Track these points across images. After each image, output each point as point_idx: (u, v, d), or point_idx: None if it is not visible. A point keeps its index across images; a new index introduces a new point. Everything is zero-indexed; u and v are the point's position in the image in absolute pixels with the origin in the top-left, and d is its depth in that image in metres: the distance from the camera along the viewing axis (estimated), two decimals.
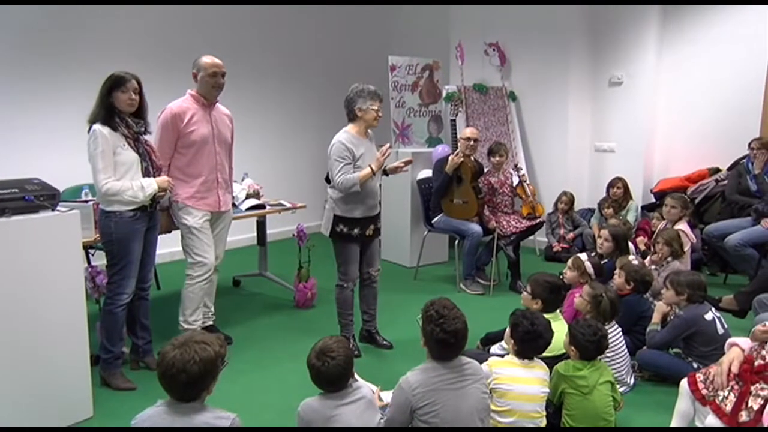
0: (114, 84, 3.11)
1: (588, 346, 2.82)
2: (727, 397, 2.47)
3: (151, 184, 3.20)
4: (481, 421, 2.41)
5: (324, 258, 5.73)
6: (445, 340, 2.36)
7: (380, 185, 4.04)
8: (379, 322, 4.06)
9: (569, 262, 3.93)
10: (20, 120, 4.94)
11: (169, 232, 3.81)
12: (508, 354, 2.85)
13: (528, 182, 5.49)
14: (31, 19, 4.91)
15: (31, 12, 4.89)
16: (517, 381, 2.65)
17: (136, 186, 3.15)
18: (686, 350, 3.37)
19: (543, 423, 2.68)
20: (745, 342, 2.59)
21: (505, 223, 5.16)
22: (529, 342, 2.70)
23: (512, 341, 2.77)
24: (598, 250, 4.35)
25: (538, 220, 5.26)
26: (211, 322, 4.04)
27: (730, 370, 2.49)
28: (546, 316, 3.15)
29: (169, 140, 3.53)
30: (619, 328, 3.37)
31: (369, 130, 3.75)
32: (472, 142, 5.07)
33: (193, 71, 3.61)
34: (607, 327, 3.24)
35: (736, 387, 2.47)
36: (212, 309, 4.04)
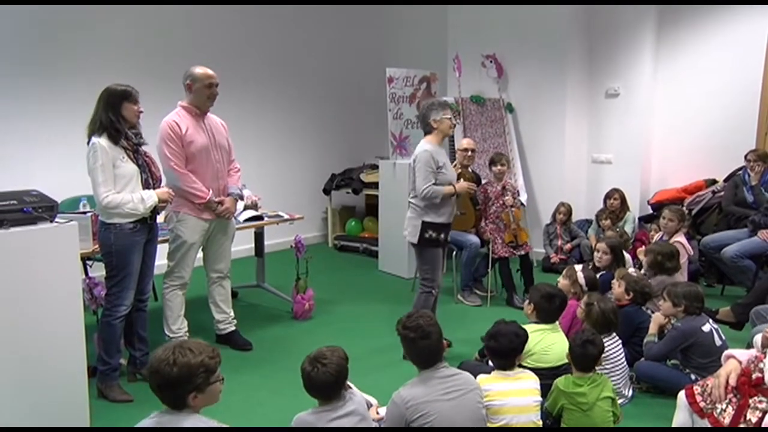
0: (124, 96, 3.15)
1: (576, 350, 2.84)
2: (725, 410, 2.46)
3: (152, 196, 3.21)
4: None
5: (322, 269, 5.75)
6: (406, 335, 2.49)
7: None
8: (379, 334, 4.05)
9: (564, 271, 3.95)
10: (18, 132, 4.95)
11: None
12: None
13: (516, 207, 5.19)
14: (25, 31, 4.92)
15: (24, 24, 4.91)
16: (508, 395, 2.66)
17: (137, 198, 3.16)
18: (684, 362, 3.37)
19: None
20: (742, 354, 2.59)
21: (498, 237, 5.11)
22: (487, 347, 2.81)
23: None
24: (596, 263, 4.34)
25: (522, 253, 5.06)
26: (233, 328, 4.11)
27: (727, 382, 2.49)
28: (545, 326, 3.20)
29: (180, 148, 3.57)
30: (619, 340, 3.37)
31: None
32: (469, 153, 5.09)
33: (187, 82, 3.63)
34: (605, 338, 3.25)
35: (734, 400, 2.46)
36: (231, 313, 4.12)
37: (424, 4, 7.35)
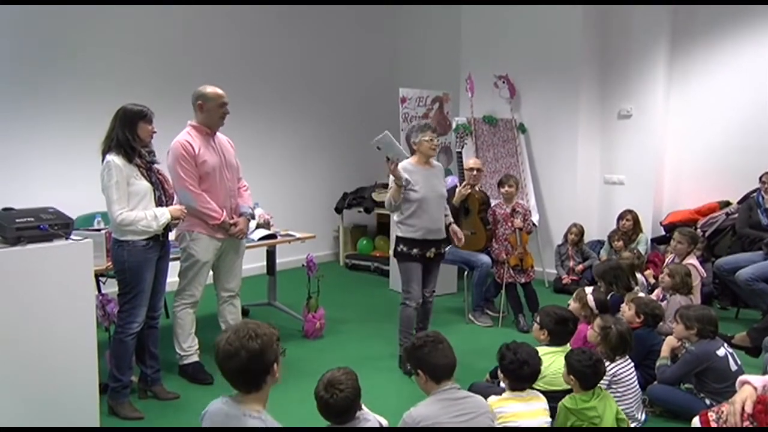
0: (140, 115, 3.21)
1: (585, 371, 2.84)
2: None
3: (164, 214, 3.24)
4: None
5: (333, 288, 5.74)
6: (422, 345, 2.49)
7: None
8: (389, 355, 4.04)
9: (575, 293, 3.93)
10: (34, 150, 5.04)
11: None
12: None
13: (525, 230, 5.10)
14: (41, 51, 5.03)
15: (40, 44, 5.02)
16: (522, 416, 2.67)
17: (150, 216, 3.19)
18: (698, 386, 3.33)
19: None
20: (757, 380, 2.55)
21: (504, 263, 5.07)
22: (515, 371, 2.75)
23: (502, 375, 2.84)
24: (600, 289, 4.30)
25: (523, 280, 5.03)
26: None
27: (743, 409, 2.45)
28: (556, 349, 3.18)
29: (193, 168, 3.58)
30: (632, 363, 3.34)
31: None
32: (475, 172, 5.11)
33: (199, 102, 3.64)
34: (619, 360, 3.22)
35: (750, 427, 2.43)
36: None
37: (434, 4, 7.37)
